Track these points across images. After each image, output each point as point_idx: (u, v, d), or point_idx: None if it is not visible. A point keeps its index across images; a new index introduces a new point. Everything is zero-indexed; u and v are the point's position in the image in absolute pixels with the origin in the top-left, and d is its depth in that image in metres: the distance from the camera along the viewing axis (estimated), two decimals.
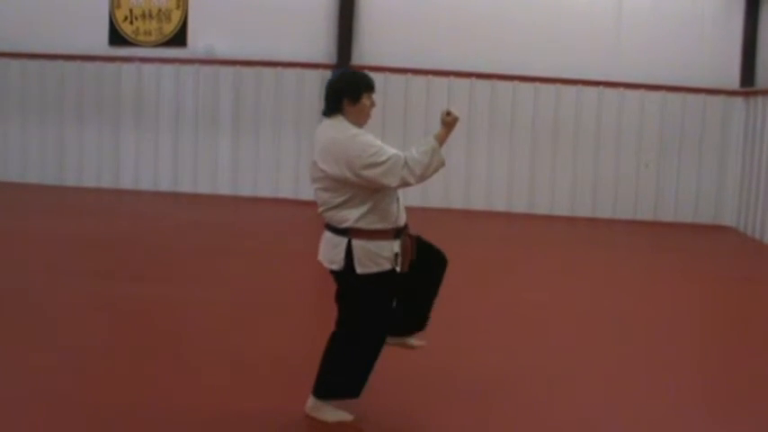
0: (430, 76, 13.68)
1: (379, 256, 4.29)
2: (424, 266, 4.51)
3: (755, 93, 13.24)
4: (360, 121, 4.41)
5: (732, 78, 13.83)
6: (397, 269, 4.34)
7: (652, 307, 7.95)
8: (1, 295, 7.01)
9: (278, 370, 5.38)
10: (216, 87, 14.53)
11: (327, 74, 14.12)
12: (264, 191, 14.47)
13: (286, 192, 14.43)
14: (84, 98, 14.75)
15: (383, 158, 4.19)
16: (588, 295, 8.35)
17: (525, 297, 8.05)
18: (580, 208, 14.10)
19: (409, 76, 13.97)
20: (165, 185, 14.67)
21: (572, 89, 13.91)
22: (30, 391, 4.79)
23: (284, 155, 14.45)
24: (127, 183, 14.73)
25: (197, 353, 5.70)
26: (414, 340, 4.79)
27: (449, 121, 4.38)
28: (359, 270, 4.28)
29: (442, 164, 4.32)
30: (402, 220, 4.43)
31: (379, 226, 4.30)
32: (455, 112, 4.40)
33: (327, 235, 4.40)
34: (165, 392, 4.87)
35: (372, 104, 4.46)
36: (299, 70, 14.29)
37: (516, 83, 13.93)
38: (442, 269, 4.62)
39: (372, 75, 13.58)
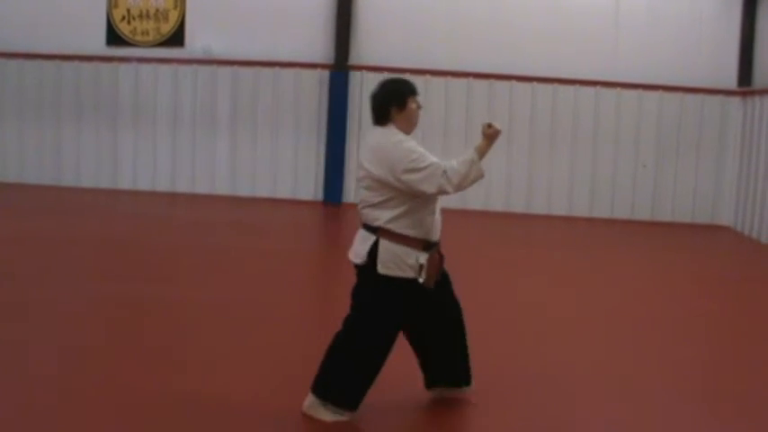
0: (427, 76, 13.69)
1: (403, 262, 4.36)
2: (438, 309, 4.63)
3: (753, 93, 13.26)
4: (409, 127, 4.53)
5: (729, 78, 13.85)
6: (420, 280, 4.38)
7: (649, 307, 7.96)
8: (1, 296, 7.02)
9: (278, 369, 5.38)
10: (214, 87, 14.52)
11: (325, 74, 14.17)
12: (262, 191, 14.47)
13: (284, 192, 14.44)
14: (81, 98, 14.74)
15: (424, 165, 4.29)
16: (584, 295, 8.35)
17: (521, 297, 8.06)
18: (578, 208, 14.12)
19: (407, 76, 13.89)
20: (162, 186, 14.66)
21: (569, 89, 13.92)
22: (31, 393, 4.79)
23: (282, 155, 14.45)
24: (125, 183, 14.72)
25: (196, 352, 5.70)
26: (465, 392, 4.88)
27: (490, 134, 4.48)
28: (380, 270, 4.35)
29: (481, 176, 4.41)
30: (435, 235, 4.50)
31: (409, 232, 4.37)
32: (496, 125, 4.49)
33: (360, 231, 4.49)
34: (164, 391, 4.87)
35: (418, 107, 4.56)
36: (296, 70, 14.29)
37: (513, 83, 13.94)
38: (458, 313, 4.75)
39: (369, 75, 13.57)
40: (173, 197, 14.27)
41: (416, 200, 4.38)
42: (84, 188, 14.54)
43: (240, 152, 14.54)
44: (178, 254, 9.43)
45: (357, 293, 4.53)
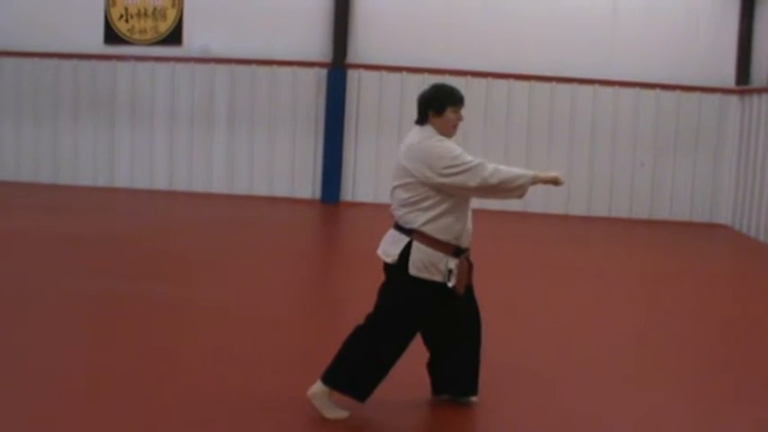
0: (425, 75, 13.66)
1: (434, 265, 4.44)
2: (457, 320, 4.71)
3: (751, 91, 13.26)
4: (445, 132, 4.58)
5: (727, 76, 13.85)
6: (449, 284, 4.47)
7: (646, 305, 7.96)
8: None
9: (278, 369, 5.38)
10: (211, 86, 14.52)
11: (323, 72, 14.17)
12: (260, 189, 14.46)
13: (281, 190, 14.44)
14: (79, 97, 14.74)
15: (467, 160, 4.41)
16: (582, 294, 8.35)
17: (519, 295, 8.05)
18: (575, 206, 14.11)
19: (404, 74, 13.96)
20: (160, 184, 14.66)
21: (567, 87, 13.92)
22: (32, 392, 4.79)
23: (279, 153, 14.45)
24: (122, 181, 14.71)
25: (192, 350, 5.69)
26: (469, 400, 4.91)
27: (551, 180, 4.54)
28: (412, 271, 4.43)
29: (520, 194, 4.53)
30: (465, 242, 4.61)
31: (442, 237, 4.45)
32: (562, 179, 4.55)
33: (392, 232, 4.56)
34: (165, 391, 4.87)
35: (458, 118, 4.62)
36: (294, 69, 14.28)
37: (511, 81, 13.94)
38: (478, 325, 4.81)
39: (367, 73, 13.52)
40: (170, 195, 14.26)
41: (450, 202, 4.46)
42: (81, 186, 14.54)
43: (238, 150, 14.54)
44: (175, 252, 9.41)
45: (385, 291, 4.60)
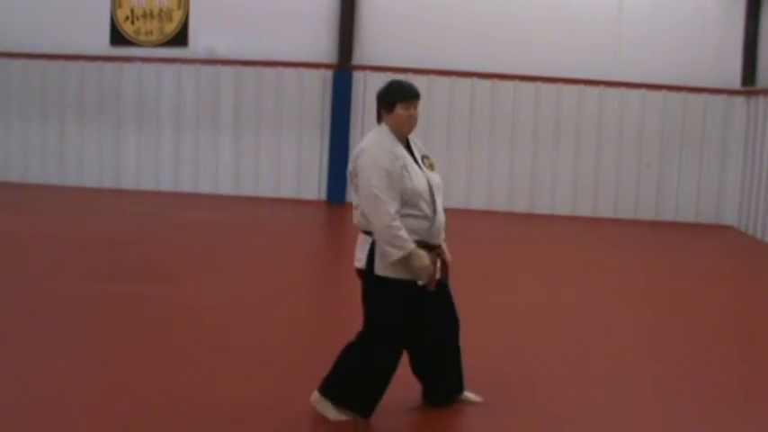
0: (431, 76, 13.68)
1: (400, 264, 4.30)
2: (434, 322, 4.62)
3: (757, 92, 13.24)
4: (399, 129, 4.49)
5: (733, 78, 13.82)
6: (420, 282, 4.37)
7: (652, 306, 7.95)
8: (3, 296, 7.01)
9: (278, 368, 5.38)
10: (217, 87, 14.53)
11: (329, 74, 14.17)
12: (266, 190, 14.47)
13: (287, 191, 14.44)
14: (85, 98, 14.76)
15: (379, 195, 4.27)
16: (586, 294, 8.35)
17: (523, 296, 8.05)
18: (581, 207, 14.10)
19: (410, 75, 13.92)
20: (166, 185, 14.67)
21: (573, 89, 13.90)
22: (34, 392, 4.79)
23: (285, 154, 14.46)
24: (128, 183, 14.73)
25: (200, 351, 5.70)
26: (469, 396, 4.90)
27: (424, 268, 4.32)
28: (377, 271, 4.35)
29: (388, 255, 4.28)
30: (433, 238, 4.47)
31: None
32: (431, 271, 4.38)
33: (360, 236, 4.51)
34: (166, 390, 4.87)
35: (411, 115, 4.49)
36: (300, 70, 14.29)
37: (517, 82, 13.93)
38: (455, 325, 4.75)
39: (372, 75, 13.58)
40: (176, 197, 14.27)
41: (400, 202, 4.33)
42: (87, 188, 14.55)
43: (243, 152, 14.55)
44: (181, 254, 9.43)
45: (364, 300, 4.53)
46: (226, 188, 14.56)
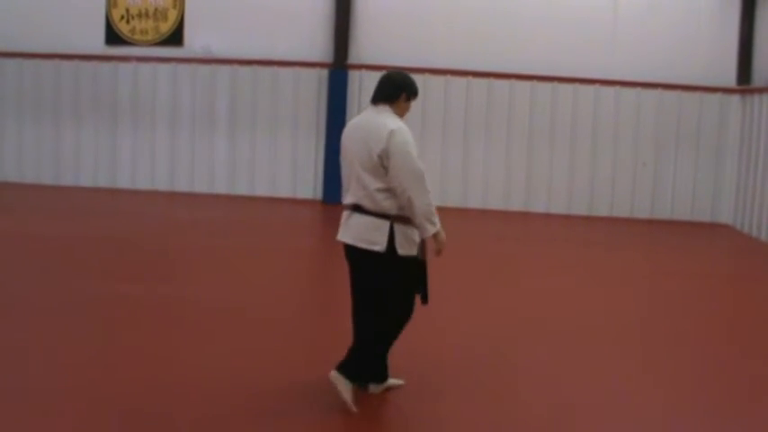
0: (427, 75, 13.67)
1: (413, 241, 4.65)
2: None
3: (752, 90, 13.26)
4: (401, 117, 4.78)
5: (729, 76, 13.85)
6: (420, 257, 4.68)
7: (648, 305, 7.97)
8: (1, 296, 7.01)
9: (279, 368, 5.38)
10: (213, 87, 14.52)
11: (324, 73, 14.17)
12: (261, 190, 14.46)
13: (283, 191, 14.44)
14: (80, 97, 14.73)
15: (421, 171, 4.57)
16: (583, 293, 8.36)
17: (521, 295, 8.06)
18: (577, 206, 14.12)
19: None
20: (161, 185, 14.66)
21: (568, 87, 13.92)
22: (35, 389, 4.79)
23: (281, 154, 14.45)
24: (123, 182, 14.71)
25: (195, 351, 5.70)
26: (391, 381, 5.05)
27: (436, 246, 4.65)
28: (400, 252, 4.58)
29: (429, 231, 4.61)
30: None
31: (407, 213, 4.59)
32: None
33: (365, 218, 4.60)
34: (166, 389, 4.88)
35: (409, 108, 4.89)
36: (295, 69, 14.29)
37: (513, 81, 13.94)
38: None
39: (368, 74, 13.60)
40: (172, 196, 14.26)
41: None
42: (82, 187, 14.54)
43: (239, 151, 14.54)
44: (176, 253, 9.43)
45: (374, 279, 4.66)
46: (221, 187, 14.55)
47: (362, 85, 13.84)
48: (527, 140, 14.04)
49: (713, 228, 13.58)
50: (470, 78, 13.93)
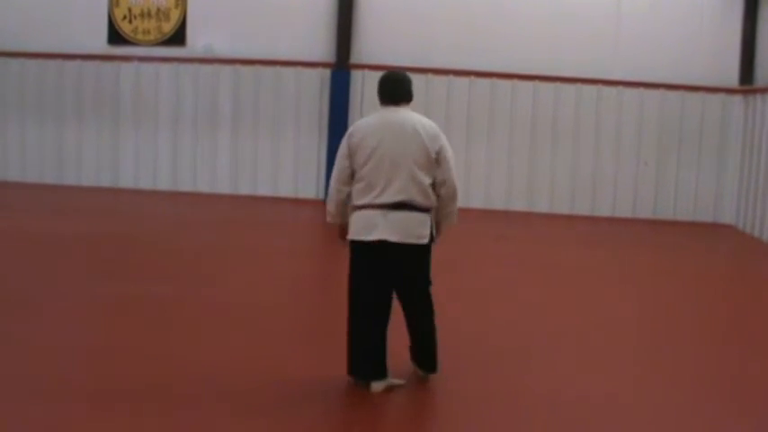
0: (429, 75, 13.68)
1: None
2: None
3: (754, 91, 13.24)
4: None
5: (731, 76, 13.83)
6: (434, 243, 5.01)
7: (650, 305, 7.95)
8: (2, 296, 7.00)
9: (279, 368, 5.38)
10: (215, 86, 14.53)
11: (327, 73, 14.17)
12: (264, 189, 14.47)
13: (285, 191, 14.44)
14: (82, 97, 14.75)
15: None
16: (585, 293, 8.35)
17: (522, 296, 8.05)
18: (579, 206, 14.11)
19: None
20: (164, 184, 14.67)
21: (571, 87, 13.90)
22: (36, 388, 4.79)
23: (284, 154, 14.46)
24: (126, 182, 14.72)
25: (201, 351, 5.70)
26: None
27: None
28: (437, 241, 4.96)
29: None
30: None
31: (437, 204, 4.92)
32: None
33: (411, 214, 4.77)
34: (167, 389, 4.88)
35: None
36: (298, 69, 14.29)
37: (515, 81, 13.93)
38: None
39: (371, 74, 13.58)
40: (174, 196, 14.27)
41: None
42: (85, 187, 14.55)
43: (241, 151, 14.54)
44: (179, 253, 9.42)
45: (422, 267, 4.86)
46: (224, 187, 14.55)
47: (365, 84, 13.83)
48: (529, 140, 14.02)
49: (716, 228, 13.56)
50: (473, 78, 13.92)
